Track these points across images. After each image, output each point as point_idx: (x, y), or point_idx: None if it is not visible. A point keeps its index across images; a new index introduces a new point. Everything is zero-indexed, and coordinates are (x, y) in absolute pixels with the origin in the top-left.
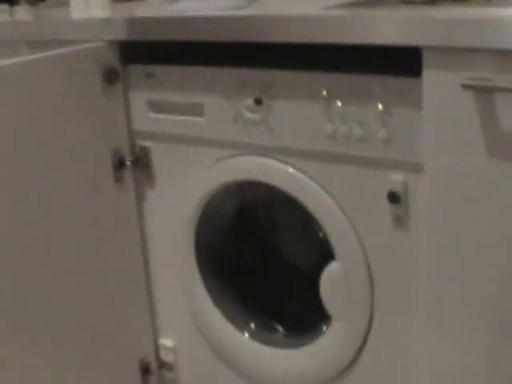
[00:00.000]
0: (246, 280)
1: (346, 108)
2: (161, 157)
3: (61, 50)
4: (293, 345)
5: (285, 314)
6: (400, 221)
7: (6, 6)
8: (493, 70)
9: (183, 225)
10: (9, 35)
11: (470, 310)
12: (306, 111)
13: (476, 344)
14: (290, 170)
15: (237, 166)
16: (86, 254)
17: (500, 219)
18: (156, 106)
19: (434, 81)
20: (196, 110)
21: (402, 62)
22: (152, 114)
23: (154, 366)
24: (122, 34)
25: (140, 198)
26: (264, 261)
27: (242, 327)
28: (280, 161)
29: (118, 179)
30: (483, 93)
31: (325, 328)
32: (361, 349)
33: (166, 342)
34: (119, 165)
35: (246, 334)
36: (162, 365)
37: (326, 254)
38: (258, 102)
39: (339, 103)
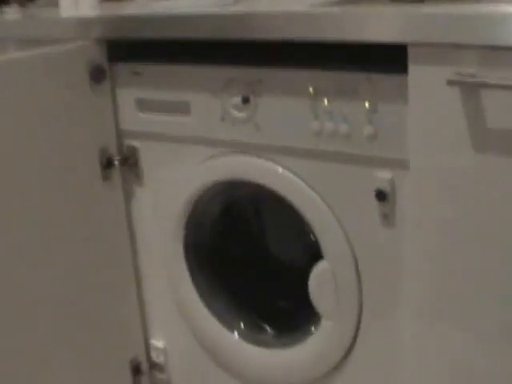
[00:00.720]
0: (235, 280)
1: (333, 105)
2: (149, 155)
3: (47, 49)
4: (283, 344)
5: (274, 314)
6: (387, 218)
7: None
8: (479, 65)
9: (172, 224)
10: None
11: (457, 307)
12: (293, 109)
13: (463, 341)
14: (278, 168)
15: (224, 165)
16: (74, 253)
17: (487, 215)
18: (143, 105)
19: (420, 77)
20: (183, 109)
21: (388, 58)
22: (139, 113)
23: (145, 366)
24: (108, 33)
25: (128, 197)
26: (253, 260)
27: (231, 327)
28: (267, 159)
29: (106, 178)
30: (469, 89)
31: (314, 327)
32: (350, 347)
33: (157, 342)
34: (107, 164)
35: (236, 334)
36: (153, 365)
37: (314, 253)
38: (245, 100)
39: (326, 101)
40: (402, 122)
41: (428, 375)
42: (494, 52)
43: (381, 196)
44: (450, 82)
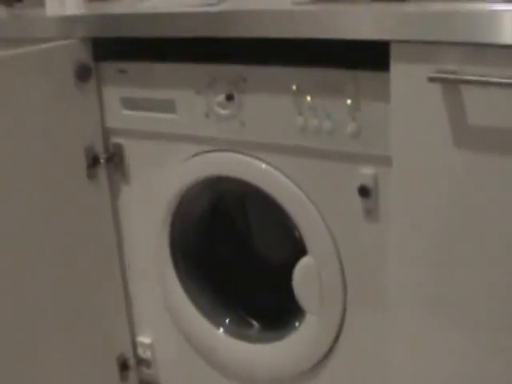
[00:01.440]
0: (221, 276)
1: (316, 103)
2: (134, 153)
3: (33, 48)
4: (268, 339)
5: (260, 309)
6: (371, 214)
7: None
8: (459, 63)
9: (158, 221)
10: None
11: (441, 302)
12: (277, 106)
13: (448, 335)
14: (262, 164)
15: (209, 162)
16: (60, 251)
17: (469, 210)
18: (129, 103)
19: (402, 74)
20: (168, 107)
21: (370, 56)
22: (125, 111)
23: (132, 362)
24: (94, 31)
25: (114, 195)
26: (239, 256)
27: (217, 323)
28: (252, 156)
29: (92, 176)
30: (450, 86)
31: (298, 322)
32: (335, 341)
33: (144, 338)
34: (93, 162)
35: (222, 330)
36: (140, 361)
37: (299, 249)
38: (229, 97)
39: (309, 98)
40: (385, 118)
41: (413, 368)
42: (474, 49)
43: (364, 192)
44: (431, 79)
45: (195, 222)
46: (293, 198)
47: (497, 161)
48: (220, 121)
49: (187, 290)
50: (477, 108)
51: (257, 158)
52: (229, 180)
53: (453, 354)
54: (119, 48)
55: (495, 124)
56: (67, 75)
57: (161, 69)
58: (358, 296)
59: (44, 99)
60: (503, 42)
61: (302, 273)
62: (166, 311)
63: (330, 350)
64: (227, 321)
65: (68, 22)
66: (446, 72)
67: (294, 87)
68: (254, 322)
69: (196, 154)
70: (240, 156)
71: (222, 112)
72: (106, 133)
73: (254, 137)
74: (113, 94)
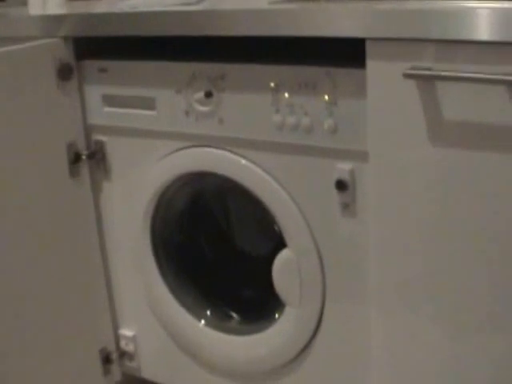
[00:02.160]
0: (201, 269)
1: (294, 99)
2: (116, 150)
3: (14, 47)
4: (248, 331)
5: (240, 302)
6: (348, 208)
7: None
8: (434, 59)
9: (139, 216)
10: None
11: (419, 296)
12: (255, 103)
13: (425, 327)
14: (241, 160)
15: (190, 158)
16: (43, 247)
17: (444, 205)
18: (110, 101)
19: (378, 71)
20: (148, 104)
21: (347, 53)
22: (106, 108)
23: (114, 355)
24: (75, 30)
25: (96, 192)
26: (220, 250)
27: (198, 315)
28: (231, 152)
29: (74, 173)
30: (425, 82)
31: (278, 314)
32: (314, 334)
33: (126, 331)
34: (75, 159)
35: (203, 322)
36: (123, 354)
37: (278, 242)
38: (208, 94)
39: (287, 94)
40: (362, 115)
41: (391, 363)
42: (448, 45)
43: (341, 186)
44: (407, 76)
45: (176, 217)
46: (272, 192)
47: (471, 155)
48: (199, 118)
49: (168, 283)
50: (452, 104)
51: (236, 153)
52: (209, 175)
53: (432, 350)
54: (101, 47)
55: (470, 119)
56: (49, 74)
57: (141, 67)
58: (336, 288)
59: (26, 97)
60: (477, 39)
61: (281, 265)
62: (147, 304)
63: (310, 341)
64: (208, 313)
65: (50, 21)
66: (421, 68)
67: (272, 84)
68: (234, 315)
69: (176, 150)
70: (220, 152)
71: (202, 109)
72: (88, 130)
73: (233, 133)
74: (94, 92)
